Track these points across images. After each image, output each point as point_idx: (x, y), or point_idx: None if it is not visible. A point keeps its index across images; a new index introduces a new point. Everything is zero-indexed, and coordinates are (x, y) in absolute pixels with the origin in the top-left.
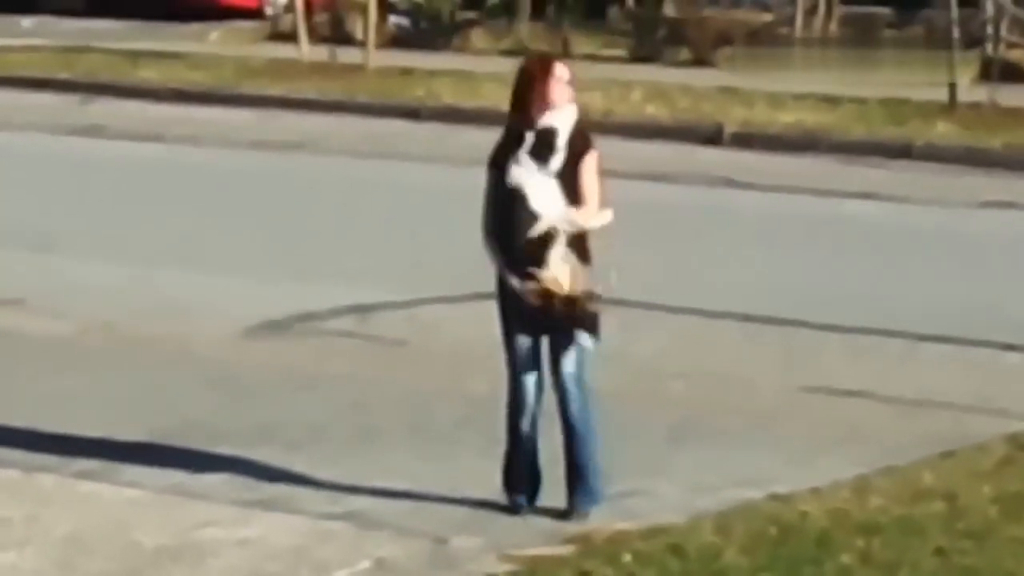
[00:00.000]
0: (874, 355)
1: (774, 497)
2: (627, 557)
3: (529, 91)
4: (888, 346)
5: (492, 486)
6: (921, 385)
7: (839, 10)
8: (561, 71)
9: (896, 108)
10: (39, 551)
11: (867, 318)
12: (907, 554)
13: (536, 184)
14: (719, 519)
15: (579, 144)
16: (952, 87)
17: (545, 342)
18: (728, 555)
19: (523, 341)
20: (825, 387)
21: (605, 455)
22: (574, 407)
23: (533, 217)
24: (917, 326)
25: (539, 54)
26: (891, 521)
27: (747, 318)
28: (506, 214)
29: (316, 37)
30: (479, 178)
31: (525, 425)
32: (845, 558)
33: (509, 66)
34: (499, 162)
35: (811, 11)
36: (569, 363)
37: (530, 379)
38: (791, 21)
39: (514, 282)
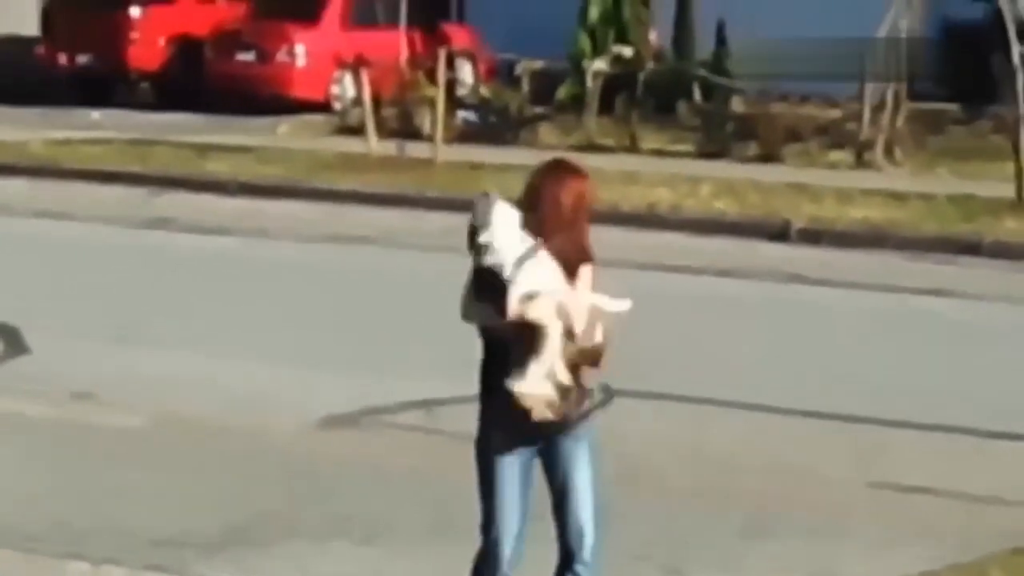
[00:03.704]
0: (944, 451)
1: None
2: None
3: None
4: (958, 442)
5: None
6: (991, 481)
7: (906, 106)
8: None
9: (964, 204)
10: None
11: (937, 414)
12: None
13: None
14: None
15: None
16: (1020, 182)
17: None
18: None
19: (509, 471)
20: (895, 483)
21: (671, 551)
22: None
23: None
24: (987, 422)
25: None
26: None
27: (817, 414)
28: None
29: (384, 131)
30: None
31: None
32: None
33: (578, 161)
34: None
35: (879, 107)
36: (586, 512)
37: (511, 530)
38: (859, 116)
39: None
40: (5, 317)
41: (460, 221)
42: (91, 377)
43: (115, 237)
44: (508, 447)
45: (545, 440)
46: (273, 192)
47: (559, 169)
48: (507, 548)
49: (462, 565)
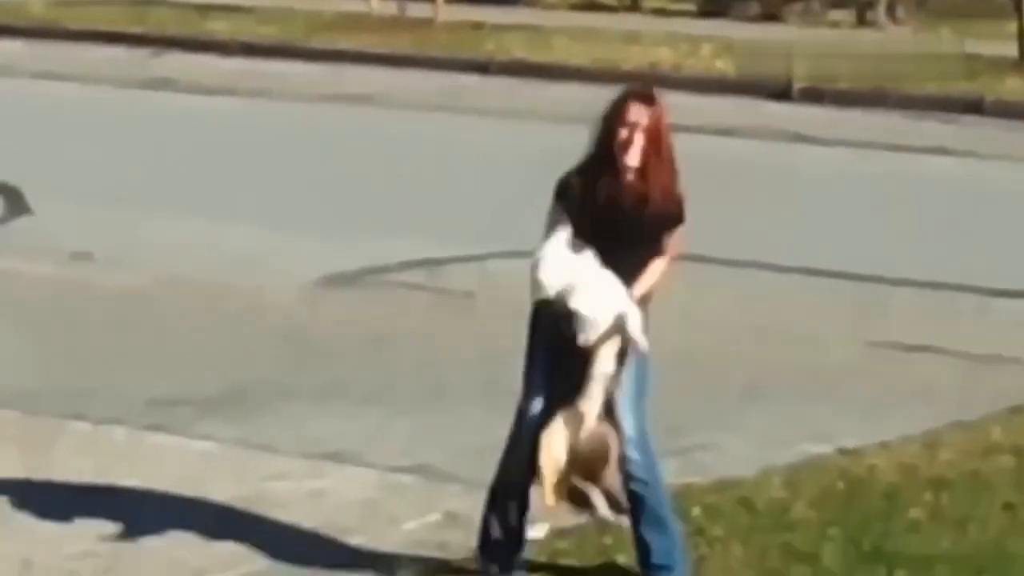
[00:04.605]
0: (945, 311)
1: (843, 452)
2: (696, 511)
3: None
4: (959, 302)
5: None
6: (992, 341)
7: None
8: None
9: (966, 63)
10: (109, 503)
11: (938, 274)
12: (976, 509)
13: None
14: (788, 474)
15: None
16: (1022, 41)
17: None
18: (797, 509)
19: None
20: (895, 343)
21: (670, 412)
22: (640, 474)
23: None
24: (989, 282)
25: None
26: (960, 476)
27: (816, 273)
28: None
29: None
30: (549, 133)
31: (518, 482)
32: (914, 513)
33: (580, 20)
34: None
35: None
36: (628, 422)
37: (539, 416)
38: None
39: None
40: (6, 177)
41: (458, 81)
42: (91, 238)
43: (116, 98)
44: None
45: None
46: (273, 52)
47: (628, 100)
48: (540, 416)
49: (460, 426)
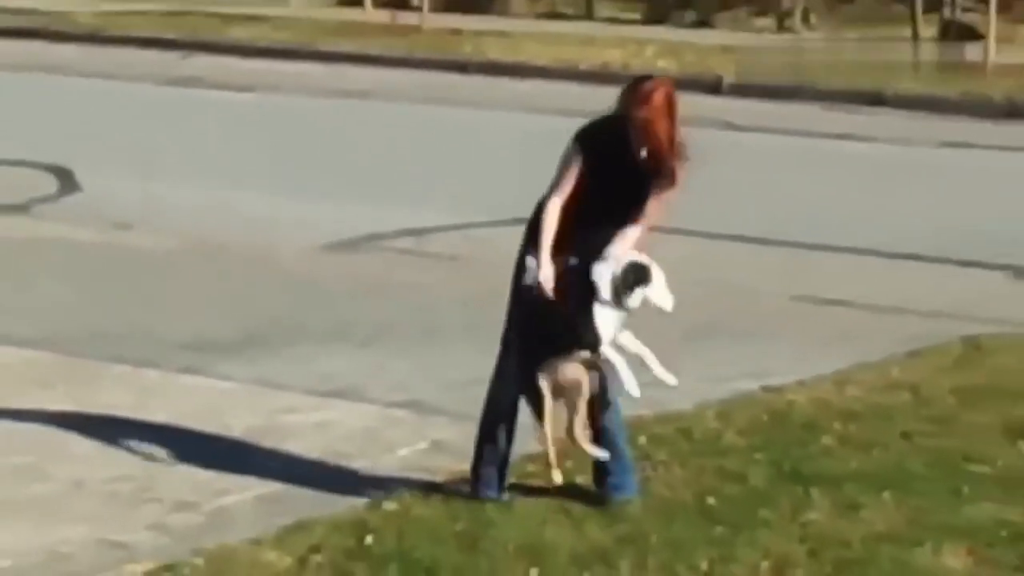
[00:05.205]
0: (857, 270)
1: (767, 389)
2: (643, 439)
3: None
4: (868, 262)
5: None
6: (895, 295)
7: None
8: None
9: (869, 62)
10: (145, 433)
11: (852, 239)
12: (879, 436)
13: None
14: (721, 407)
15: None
16: (915, 44)
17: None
18: (728, 437)
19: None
20: (814, 297)
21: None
22: (607, 410)
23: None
24: (893, 246)
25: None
26: (865, 409)
27: (748, 239)
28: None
29: (379, 2)
30: (517, 121)
31: (508, 415)
32: (826, 440)
33: (544, 27)
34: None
35: None
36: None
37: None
38: None
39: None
40: (61, 160)
41: (442, 78)
42: (130, 208)
43: (153, 93)
44: None
45: None
46: (286, 54)
47: (642, 82)
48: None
49: (448, 364)
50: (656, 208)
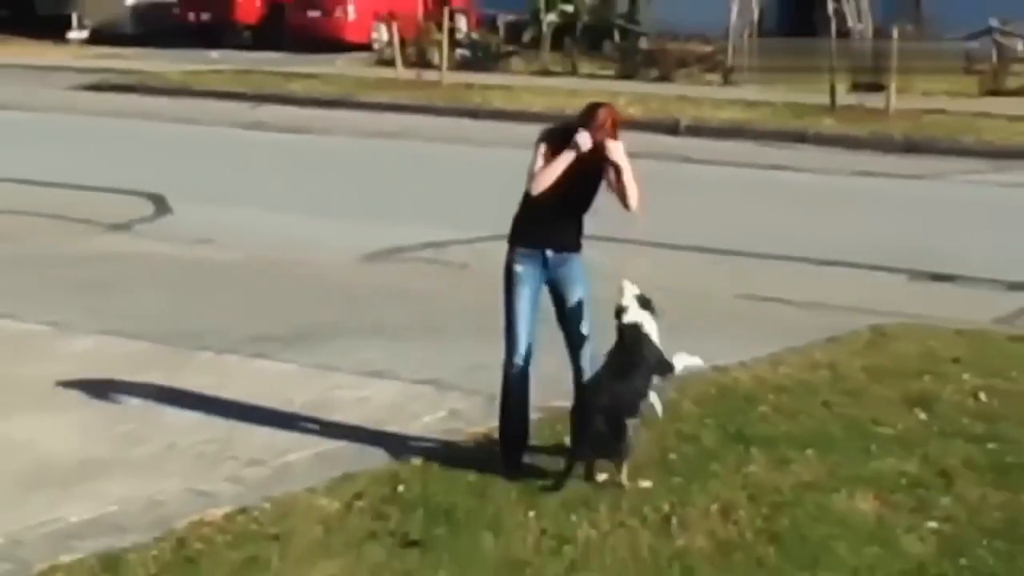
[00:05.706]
0: (789, 274)
1: (716, 368)
2: None
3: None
4: (798, 267)
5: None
6: (818, 293)
7: (757, 41)
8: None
9: (796, 108)
10: (225, 406)
11: (785, 249)
12: (804, 406)
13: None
14: (679, 383)
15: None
16: (833, 94)
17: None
18: (684, 406)
19: (524, 293)
20: (755, 295)
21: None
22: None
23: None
24: (818, 254)
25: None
26: (794, 384)
27: (705, 250)
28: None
29: (407, 62)
30: (517, 156)
31: (519, 388)
32: (763, 408)
33: (538, 81)
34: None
35: (739, 43)
36: (584, 327)
37: (526, 337)
38: (725, 50)
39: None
40: (155, 188)
41: (456, 123)
42: (209, 228)
43: (228, 135)
44: (526, 276)
45: (555, 265)
46: (333, 104)
47: (596, 106)
48: (523, 344)
49: (460, 353)
50: (618, 155)
